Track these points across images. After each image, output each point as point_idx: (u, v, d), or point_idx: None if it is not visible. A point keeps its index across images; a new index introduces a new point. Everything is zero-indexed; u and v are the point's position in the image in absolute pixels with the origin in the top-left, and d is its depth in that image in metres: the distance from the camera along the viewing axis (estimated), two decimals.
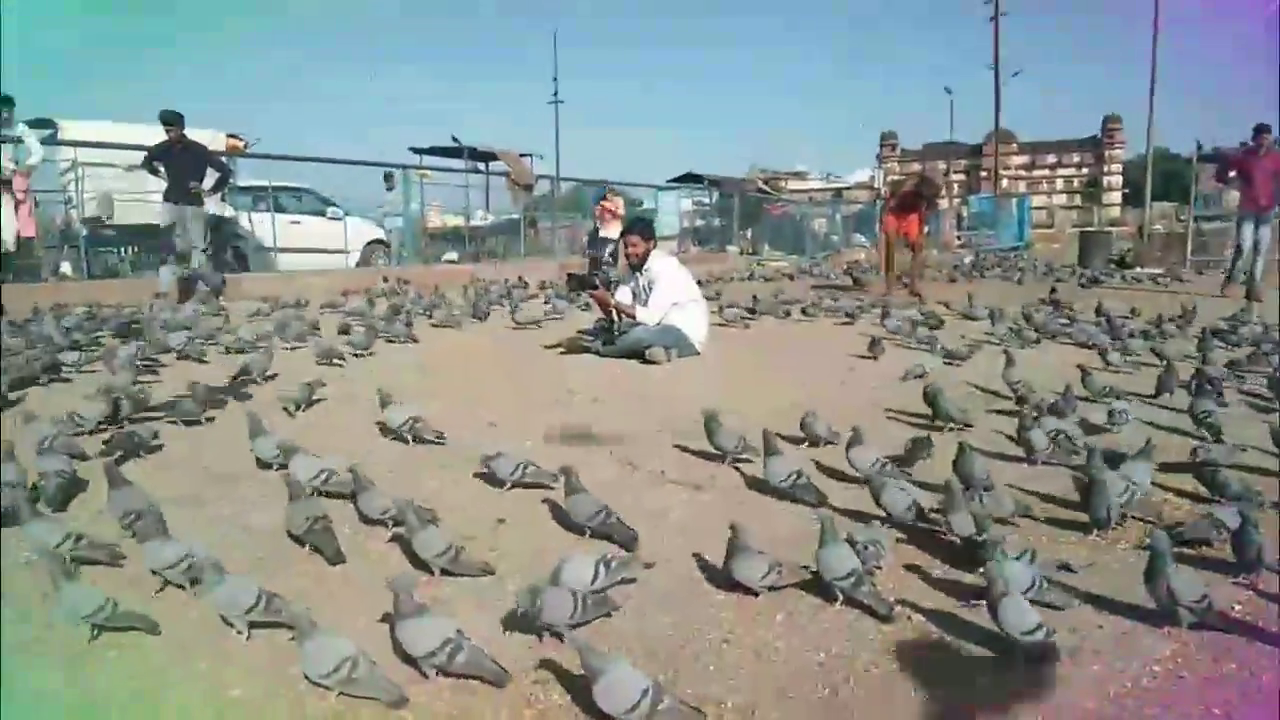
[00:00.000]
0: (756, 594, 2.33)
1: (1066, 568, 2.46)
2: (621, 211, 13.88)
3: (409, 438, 3.72)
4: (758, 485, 3.18)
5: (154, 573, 2.38)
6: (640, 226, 6.41)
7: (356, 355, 5.99)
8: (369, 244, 14.76)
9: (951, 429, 3.91)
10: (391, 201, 14.83)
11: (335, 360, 5.66)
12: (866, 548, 2.46)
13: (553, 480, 3.09)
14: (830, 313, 8.58)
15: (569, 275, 7.38)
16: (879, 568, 2.41)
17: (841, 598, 2.29)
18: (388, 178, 14.63)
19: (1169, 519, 2.89)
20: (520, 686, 1.95)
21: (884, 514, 2.79)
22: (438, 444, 3.71)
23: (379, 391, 3.96)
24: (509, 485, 3.14)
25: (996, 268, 16.34)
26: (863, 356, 5.90)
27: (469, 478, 3.25)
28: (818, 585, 2.34)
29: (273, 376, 5.04)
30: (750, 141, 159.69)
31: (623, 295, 6.42)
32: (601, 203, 14.06)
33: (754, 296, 8.93)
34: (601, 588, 2.30)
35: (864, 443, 3.18)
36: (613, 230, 13.06)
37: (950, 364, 5.62)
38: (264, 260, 12.62)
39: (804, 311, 8.58)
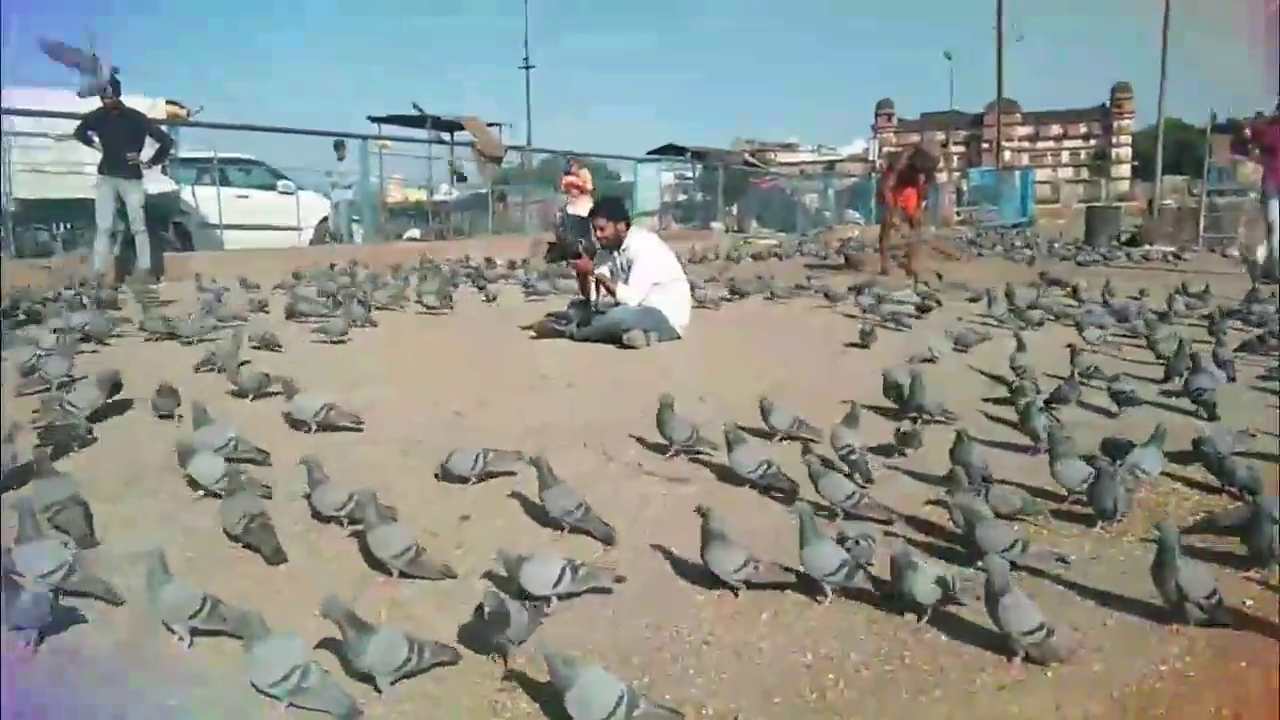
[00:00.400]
0: (736, 591, 2.33)
1: (1062, 560, 2.48)
2: (590, 185, 13.87)
3: (314, 426, 3.69)
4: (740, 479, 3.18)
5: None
6: (607, 206, 6.37)
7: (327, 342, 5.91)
8: (324, 220, 14.64)
9: (927, 421, 3.82)
10: (342, 173, 14.59)
11: (272, 346, 5.55)
12: (857, 543, 2.46)
13: (516, 459, 3.12)
14: (812, 293, 8.59)
15: (549, 244, 7.31)
16: (870, 564, 2.41)
17: (830, 596, 2.29)
18: (338, 146, 14.41)
19: (1178, 510, 2.92)
20: (485, 693, 1.94)
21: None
22: (355, 429, 3.71)
23: (282, 382, 3.95)
24: (472, 480, 3.13)
25: (998, 245, 16.52)
26: (853, 344, 5.88)
27: (430, 472, 3.22)
28: (804, 583, 2.34)
29: (245, 363, 4.92)
30: (736, 111, 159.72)
31: (604, 271, 6.39)
32: (566, 177, 14.02)
33: (730, 279, 8.94)
34: (567, 593, 2.29)
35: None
36: (582, 206, 13.10)
37: (959, 350, 5.63)
38: (209, 238, 12.47)
39: (773, 294, 8.54)
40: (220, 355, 4.80)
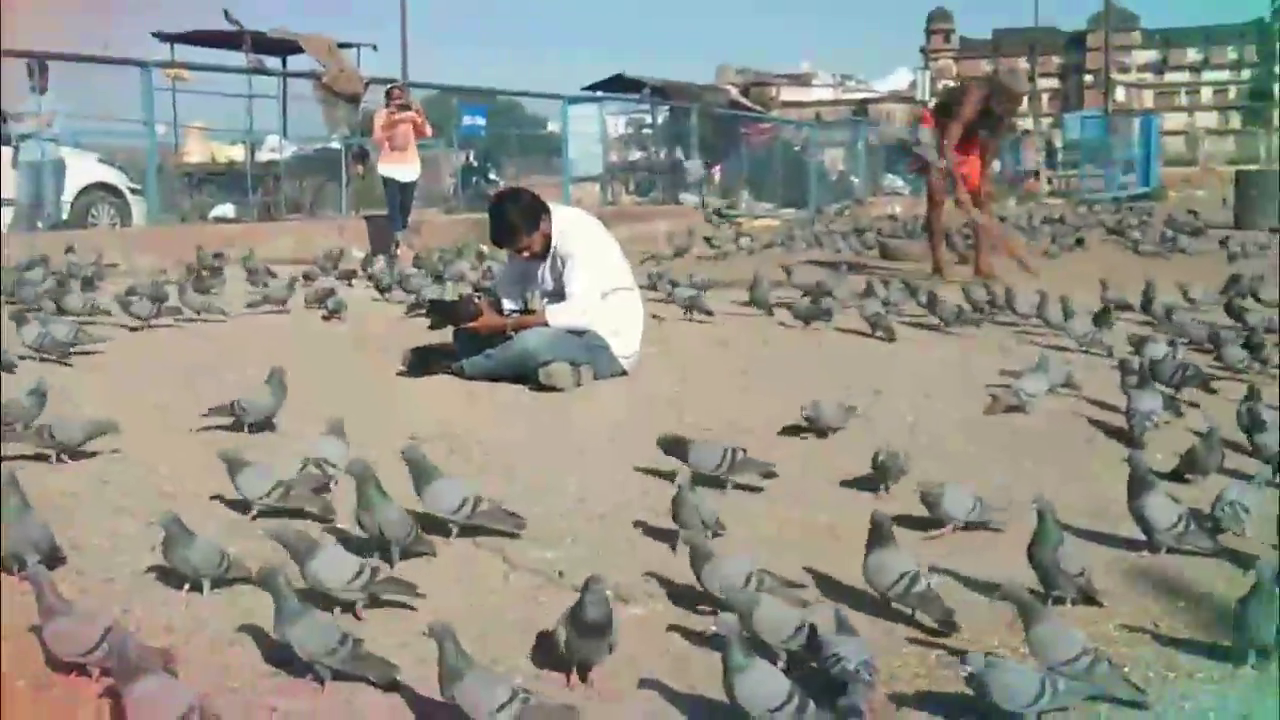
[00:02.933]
0: None
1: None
2: (427, 129, 14.43)
3: None
4: None
5: None
6: (518, 210, 6.17)
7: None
8: (87, 189, 14.42)
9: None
10: (32, 114, 13.17)
11: None
12: (856, 671, 2.51)
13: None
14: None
15: (430, 303, 7.27)
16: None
17: None
18: (35, 72, 13.07)
19: None
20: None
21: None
22: None
23: None
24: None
25: (1106, 228, 16.57)
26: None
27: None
28: None
29: None
30: (722, 27, 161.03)
31: (511, 305, 6.46)
32: (390, 113, 14.50)
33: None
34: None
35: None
36: (402, 165, 13.56)
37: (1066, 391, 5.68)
38: None
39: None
40: None
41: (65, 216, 13.89)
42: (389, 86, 15.65)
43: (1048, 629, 2.64)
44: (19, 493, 3.32)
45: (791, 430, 4.97)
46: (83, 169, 14.47)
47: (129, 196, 14.97)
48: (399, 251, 13.46)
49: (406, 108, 14.44)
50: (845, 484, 4.24)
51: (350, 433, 4.83)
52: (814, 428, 4.87)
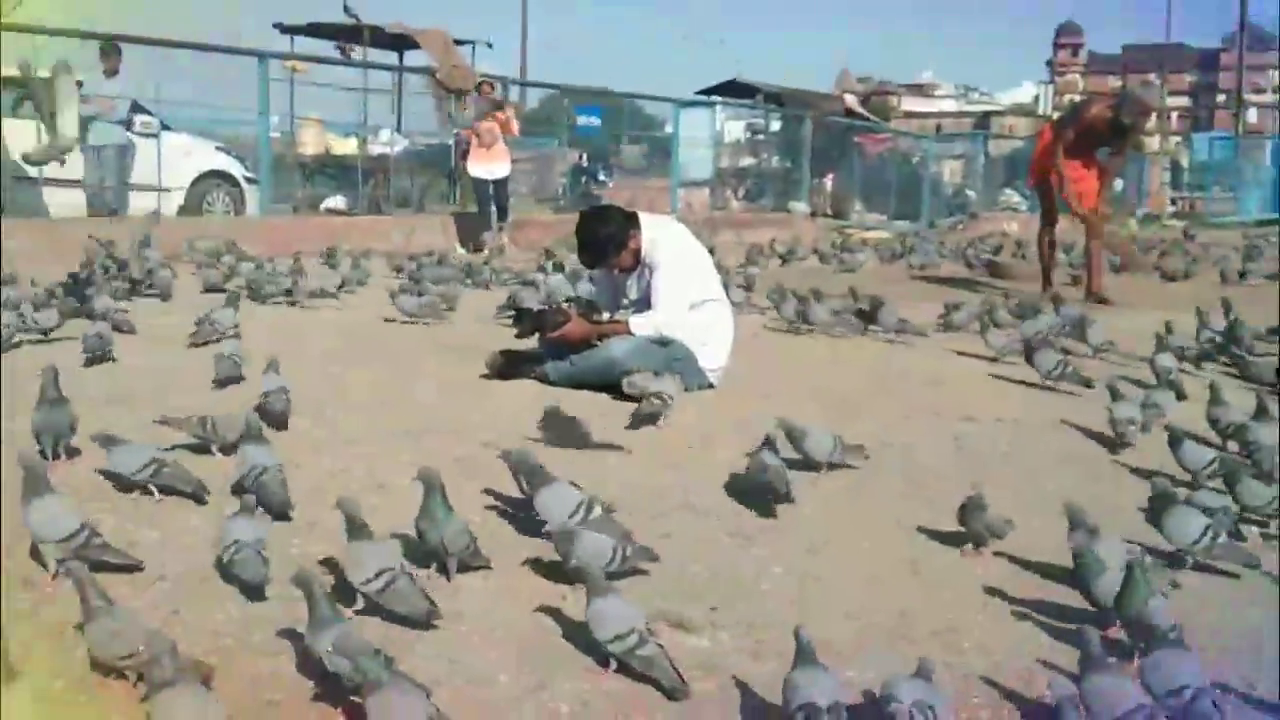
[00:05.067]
0: None
1: None
2: (515, 129, 14.12)
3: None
4: None
5: None
6: (607, 238, 6.07)
7: None
8: (203, 176, 14.69)
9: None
10: (113, 97, 13.52)
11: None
12: None
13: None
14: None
15: (517, 309, 7.21)
16: None
17: None
18: (107, 53, 13.07)
19: None
20: None
21: None
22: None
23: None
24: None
25: (1238, 255, 15.82)
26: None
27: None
28: None
29: None
30: (843, 35, 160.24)
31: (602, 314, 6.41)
32: (478, 120, 14.42)
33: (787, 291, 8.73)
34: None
35: None
36: (489, 163, 13.45)
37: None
38: (28, 198, 12.61)
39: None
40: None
41: (181, 202, 14.19)
42: (479, 82, 15.69)
43: (1104, 680, 2.57)
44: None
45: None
46: (200, 156, 14.76)
47: (244, 185, 15.19)
48: (489, 248, 13.48)
49: (499, 105, 14.45)
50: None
51: (421, 434, 4.82)
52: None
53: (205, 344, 6.54)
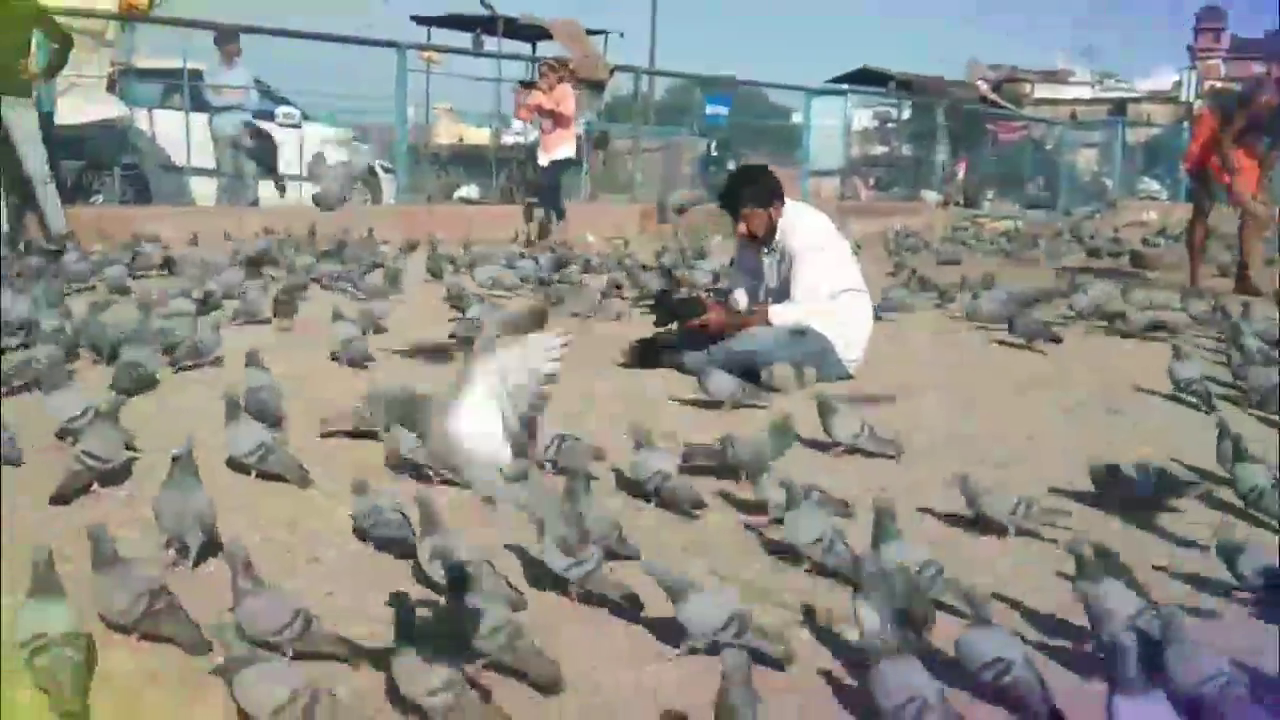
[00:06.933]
0: None
1: None
2: (570, 110, 13.43)
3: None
4: None
5: None
6: (751, 183, 6.20)
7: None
8: (341, 164, 14.90)
9: None
10: (228, 87, 13.37)
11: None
12: None
13: None
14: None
15: (656, 297, 7.15)
16: None
17: None
18: (223, 39, 12.97)
19: None
20: None
21: None
22: None
23: None
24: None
25: None
26: None
27: None
28: None
29: None
30: (973, 22, 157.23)
31: (739, 299, 6.41)
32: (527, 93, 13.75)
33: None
34: None
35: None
36: (560, 146, 12.90)
37: None
38: (174, 186, 12.93)
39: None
40: None
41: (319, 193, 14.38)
42: (540, 63, 14.93)
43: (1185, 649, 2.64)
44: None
45: None
46: (339, 147, 14.97)
47: (380, 175, 15.42)
48: (551, 237, 12.84)
49: (532, 85, 13.95)
50: None
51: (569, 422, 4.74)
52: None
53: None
